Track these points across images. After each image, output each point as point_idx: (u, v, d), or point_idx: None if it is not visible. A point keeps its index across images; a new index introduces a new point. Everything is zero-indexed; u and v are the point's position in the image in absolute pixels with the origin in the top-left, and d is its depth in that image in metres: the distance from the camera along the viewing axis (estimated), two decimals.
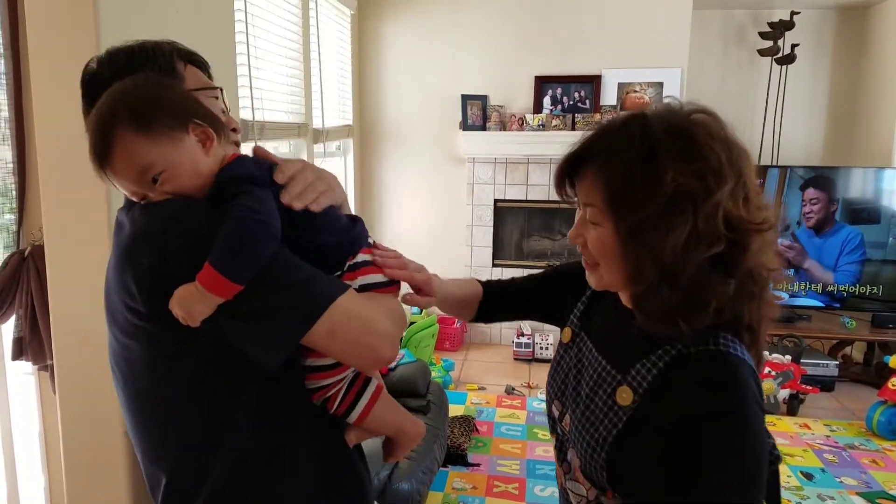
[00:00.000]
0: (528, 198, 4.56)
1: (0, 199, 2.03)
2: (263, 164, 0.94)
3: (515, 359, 4.43)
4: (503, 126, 4.42)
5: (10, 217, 2.06)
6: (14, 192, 2.04)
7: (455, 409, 3.51)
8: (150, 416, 0.96)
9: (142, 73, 0.95)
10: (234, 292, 0.82)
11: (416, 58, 4.63)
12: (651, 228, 0.85)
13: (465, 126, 4.46)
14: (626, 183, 0.87)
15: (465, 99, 4.43)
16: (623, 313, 0.97)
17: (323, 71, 3.85)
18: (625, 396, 0.90)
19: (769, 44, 4.46)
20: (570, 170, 0.98)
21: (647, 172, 0.86)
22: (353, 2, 4.42)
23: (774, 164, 4.54)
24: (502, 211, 4.67)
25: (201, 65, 1.06)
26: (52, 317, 1.97)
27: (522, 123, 4.37)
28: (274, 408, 0.94)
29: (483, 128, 4.45)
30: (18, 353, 2.13)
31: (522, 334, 4.45)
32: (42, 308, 2.03)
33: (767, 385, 3.64)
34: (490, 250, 4.67)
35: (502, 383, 4.00)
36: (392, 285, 0.99)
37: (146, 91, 0.91)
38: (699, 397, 0.84)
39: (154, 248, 0.87)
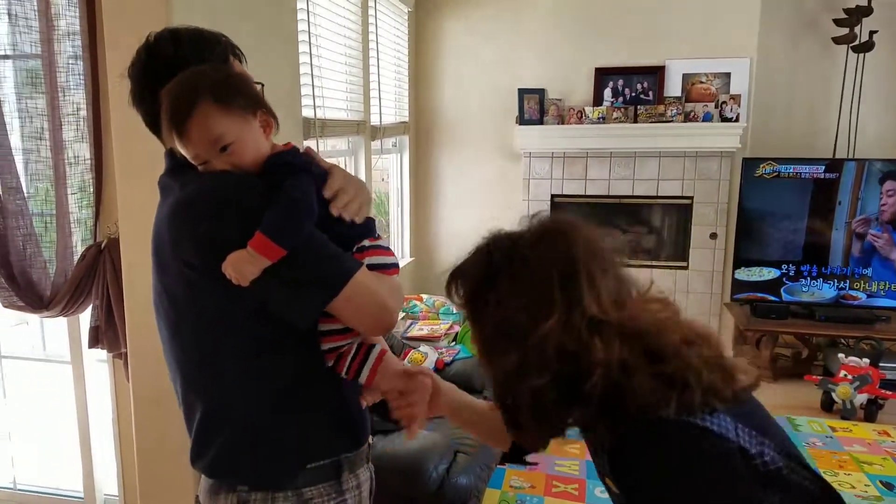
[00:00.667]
0: (587, 192, 4.50)
1: (79, 195, 2.13)
2: (308, 158, 1.08)
3: None
4: (561, 120, 4.37)
5: (87, 212, 2.16)
6: (91, 189, 2.14)
7: None
8: (193, 353, 1.09)
9: (225, 64, 1.10)
10: (279, 256, 0.95)
11: (472, 53, 4.62)
12: (488, 351, 0.94)
13: (521, 120, 4.42)
14: (469, 303, 0.96)
15: (522, 93, 4.40)
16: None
17: (381, 69, 3.89)
18: (611, 484, 0.95)
19: (845, 31, 4.25)
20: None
21: (480, 300, 0.93)
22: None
23: (850, 157, 4.34)
24: (560, 206, 4.61)
25: (242, 61, 1.18)
26: (126, 307, 2.05)
27: (581, 117, 4.31)
28: (300, 364, 1.08)
29: (540, 122, 4.41)
30: (95, 341, 2.23)
31: None
32: (117, 298, 2.13)
33: (843, 390, 3.49)
34: None
35: None
36: (393, 268, 1.12)
37: (227, 75, 1.05)
38: (642, 471, 0.87)
39: (213, 214, 1.00)
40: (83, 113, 2.08)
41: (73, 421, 2.46)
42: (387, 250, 1.12)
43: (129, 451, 2.35)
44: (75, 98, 2.07)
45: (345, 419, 1.15)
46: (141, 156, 1.93)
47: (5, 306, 2.16)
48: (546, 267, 0.89)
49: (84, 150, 2.11)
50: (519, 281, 0.90)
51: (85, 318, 2.30)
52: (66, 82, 2.05)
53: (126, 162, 1.96)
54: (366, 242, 1.09)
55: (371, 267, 1.06)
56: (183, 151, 1.02)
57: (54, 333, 2.63)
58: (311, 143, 2.79)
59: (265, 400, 1.07)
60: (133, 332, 2.07)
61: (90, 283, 2.16)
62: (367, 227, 1.11)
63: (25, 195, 2.09)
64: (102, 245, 2.14)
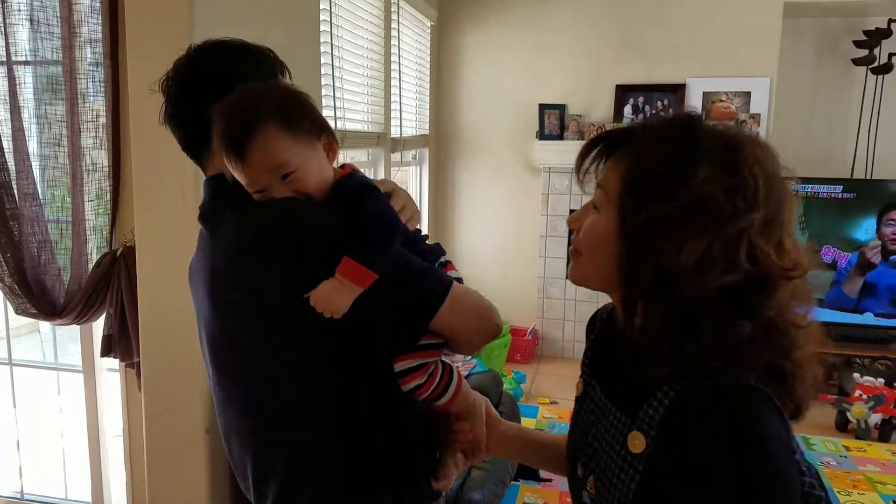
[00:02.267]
0: None
1: (95, 202, 2.12)
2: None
3: None
4: (581, 136, 4.34)
5: (104, 219, 2.15)
6: (108, 196, 2.12)
7: (526, 423, 3.45)
8: (262, 397, 1.00)
9: (275, 79, 1.03)
10: (371, 281, 0.89)
11: (493, 68, 4.61)
12: (660, 232, 0.76)
13: (541, 135, 4.40)
14: (649, 170, 0.79)
15: (543, 108, 4.38)
16: (632, 352, 0.84)
17: (402, 81, 3.89)
18: (636, 443, 0.80)
19: (864, 53, 4.22)
20: (603, 146, 0.88)
21: (675, 167, 0.77)
22: (434, 13, 4.45)
23: (868, 178, 4.29)
24: None
25: (288, 77, 1.11)
26: (140, 316, 2.03)
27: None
28: (379, 399, 1.01)
29: (560, 137, 4.39)
30: (107, 349, 2.21)
31: None
32: (131, 307, 2.10)
33: (858, 409, 3.44)
34: (564, 262, 4.59)
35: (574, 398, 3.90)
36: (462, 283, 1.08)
37: (293, 96, 0.97)
38: (710, 440, 0.73)
39: (286, 245, 0.91)
40: (102, 120, 2.07)
41: (83, 430, 2.44)
42: (453, 266, 1.12)
43: (140, 461, 2.32)
44: (95, 105, 2.06)
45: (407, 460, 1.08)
46: (159, 164, 1.92)
47: (18, 313, 2.15)
48: (758, 160, 0.78)
49: (102, 158, 2.09)
50: (733, 162, 0.77)
51: (98, 326, 2.28)
52: (87, 89, 2.04)
53: (144, 170, 1.94)
54: (442, 259, 1.09)
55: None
56: (238, 177, 0.94)
57: (66, 341, 2.61)
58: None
59: (337, 437, 1.00)
60: (146, 341, 2.04)
61: (104, 291, 2.14)
62: (440, 247, 1.11)
63: (42, 201, 2.08)
64: (118, 253, 2.13)
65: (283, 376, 0.98)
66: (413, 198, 1.10)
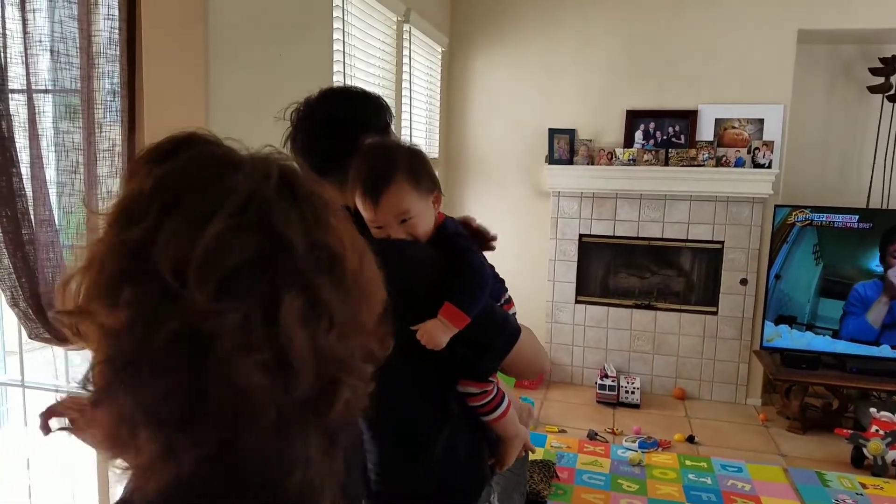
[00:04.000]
0: (616, 233, 4.46)
1: None
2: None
3: (598, 401, 4.28)
4: (591, 160, 4.35)
5: None
6: None
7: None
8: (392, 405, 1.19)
9: (409, 144, 1.26)
10: (465, 324, 1.11)
11: (504, 92, 4.64)
12: None
13: (551, 160, 4.41)
14: None
15: (553, 133, 4.39)
16: None
17: (413, 105, 3.91)
18: None
19: (880, 80, 4.20)
20: None
21: None
22: (445, 39, 4.49)
23: (885, 207, 4.26)
24: (587, 246, 4.58)
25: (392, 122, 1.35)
26: None
27: (612, 158, 4.28)
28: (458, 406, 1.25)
29: (570, 161, 4.39)
30: None
31: (606, 375, 4.30)
32: None
33: (875, 445, 3.37)
34: (573, 286, 4.58)
35: (584, 427, 3.87)
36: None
37: (418, 156, 1.21)
38: None
39: (407, 282, 1.08)
40: (118, 149, 2.09)
41: (92, 450, 2.44)
42: (513, 301, 1.34)
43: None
44: (111, 134, 2.09)
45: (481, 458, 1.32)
46: None
47: (31, 337, 2.16)
48: None
49: (117, 186, 2.12)
50: None
51: None
52: (104, 118, 2.07)
53: None
54: (507, 295, 1.31)
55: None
56: (365, 214, 1.15)
57: (77, 361, 2.63)
58: None
59: (441, 431, 1.22)
60: None
61: None
62: (502, 285, 1.32)
63: (57, 228, 2.10)
64: None
65: (395, 386, 1.16)
66: None
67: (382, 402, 1.17)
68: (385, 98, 1.32)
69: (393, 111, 1.32)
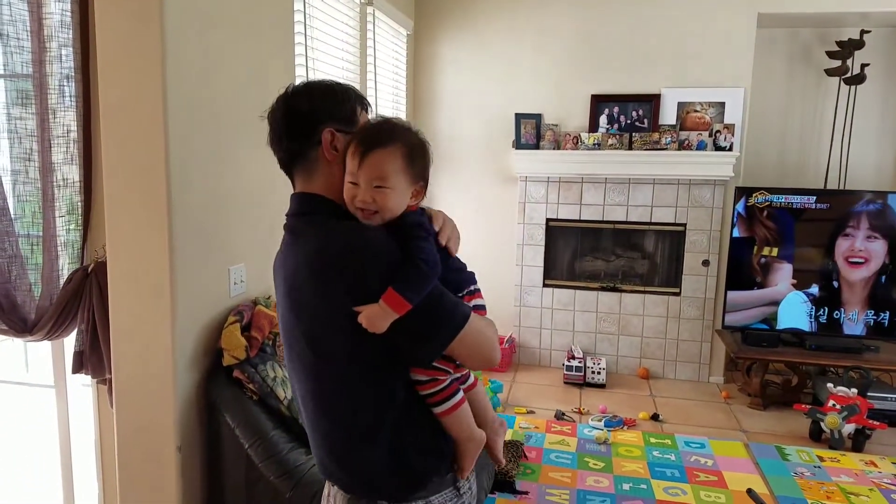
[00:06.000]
0: (582, 217, 4.50)
1: (66, 218, 2.10)
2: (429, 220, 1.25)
3: (566, 382, 4.34)
4: (557, 145, 4.37)
5: (75, 235, 2.13)
6: (80, 212, 2.10)
7: None
8: (329, 385, 1.21)
9: (417, 131, 1.26)
10: (405, 311, 1.11)
11: (470, 77, 4.63)
12: None
13: (517, 145, 4.43)
14: None
15: (519, 118, 4.41)
16: None
17: (378, 91, 3.88)
18: None
19: (837, 63, 4.30)
20: None
21: None
22: (410, 22, 4.46)
23: (841, 188, 4.37)
24: (554, 230, 4.61)
25: (368, 111, 1.33)
26: (112, 332, 2.01)
27: (577, 142, 4.31)
28: (408, 390, 1.24)
29: (536, 146, 4.41)
30: (79, 366, 2.18)
31: (573, 357, 4.36)
32: (103, 323, 2.09)
33: (832, 419, 3.48)
34: (541, 270, 4.62)
35: (552, 408, 3.93)
36: (485, 309, 1.29)
37: (422, 146, 1.23)
38: None
39: (360, 267, 1.13)
40: (73, 135, 2.05)
41: (55, 446, 2.41)
42: (480, 293, 1.31)
43: (112, 477, 2.30)
44: (66, 120, 2.04)
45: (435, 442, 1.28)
46: (131, 180, 1.90)
47: None
48: None
49: (73, 173, 2.07)
50: None
51: (70, 342, 2.25)
52: (58, 103, 2.02)
53: (115, 186, 1.92)
54: (472, 287, 1.29)
55: (473, 308, 1.24)
56: (348, 166, 1.17)
57: (37, 357, 2.58)
58: None
59: (388, 422, 1.21)
60: (118, 357, 2.03)
61: (75, 307, 2.12)
62: (472, 274, 1.31)
63: (12, 216, 2.05)
64: (89, 269, 2.11)
65: (342, 368, 1.19)
66: (455, 225, 1.31)
67: (333, 383, 1.19)
68: (354, 86, 1.34)
69: (367, 100, 1.32)
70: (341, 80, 1.30)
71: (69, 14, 2.01)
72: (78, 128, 2.05)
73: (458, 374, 1.31)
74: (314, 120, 1.21)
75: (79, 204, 2.09)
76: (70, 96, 2.02)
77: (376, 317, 1.11)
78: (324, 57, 3.04)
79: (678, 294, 4.43)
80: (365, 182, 1.16)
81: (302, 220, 1.25)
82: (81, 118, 2.04)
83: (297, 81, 1.30)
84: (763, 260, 4.08)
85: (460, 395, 1.29)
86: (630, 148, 4.24)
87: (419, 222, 1.20)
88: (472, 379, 1.39)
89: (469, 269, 1.33)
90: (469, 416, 1.31)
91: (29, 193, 2.08)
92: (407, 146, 1.18)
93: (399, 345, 1.17)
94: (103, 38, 1.89)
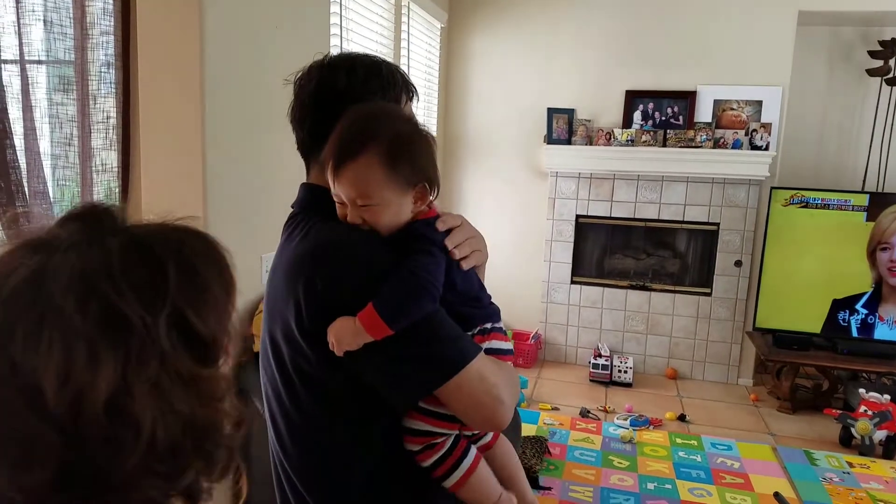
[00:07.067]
0: (613, 214, 4.46)
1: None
2: (442, 231, 0.99)
3: (591, 380, 4.31)
4: (590, 140, 4.34)
5: None
6: (117, 196, 2.14)
7: (527, 429, 3.45)
8: (288, 407, 1.01)
9: (414, 122, 1.01)
10: (384, 336, 0.87)
11: (503, 71, 4.61)
12: None
13: (549, 140, 4.40)
14: None
15: (551, 112, 4.38)
16: None
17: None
18: None
19: (879, 63, 4.19)
20: None
21: None
22: (444, 15, 4.45)
23: (880, 190, 4.27)
24: (584, 227, 4.58)
25: (414, 99, 1.14)
26: None
27: (610, 138, 4.28)
28: (389, 440, 0.99)
29: (568, 142, 4.38)
30: None
31: (600, 355, 4.33)
32: None
33: (863, 425, 3.41)
34: (569, 267, 4.59)
35: (577, 405, 3.91)
36: (509, 355, 1.02)
37: (407, 139, 0.96)
38: None
39: (331, 275, 0.93)
40: (112, 121, 2.08)
41: None
42: (505, 335, 1.03)
43: None
44: (105, 106, 2.08)
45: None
46: (168, 166, 1.94)
47: None
48: None
49: (112, 159, 2.11)
50: None
51: None
52: (98, 90, 2.05)
53: (153, 172, 1.96)
54: (488, 325, 1.01)
55: (488, 351, 0.97)
56: (330, 184, 0.96)
57: None
58: None
59: (362, 472, 0.99)
60: None
61: None
62: (495, 310, 1.04)
63: (52, 200, 2.10)
64: None
65: (303, 393, 0.99)
66: (483, 238, 1.05)
67: (296, 409, 0.98)
68: (402, 68, 1.13)
69: (414, 86, 1.13)
70: (389, 59, 1.11)
71: (111, 2, 2.04)
72: (117, 114, 2.08)
73: (469, 432, 1.03)
74: (350, 100, 0.99)
75: (116, 189, 2.13)
76: (110, 83, 2.06)
77: (346, 332, 0.88)
78: (358, 46, 3.05)
79: (709, 294, 4.38)
80: (349, 201, 0.95)
81: (300, 217, 1.07)
82: (121, 105, 2.07)
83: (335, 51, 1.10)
84: None
85: (472, 455, 1.00)
86: (664, 145, 4.19)
87: (422, 233, 0.96)
88: (489, 435, 1.07)
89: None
90: (490, 482, 1.02)
91: (68, 178, 2.12)
92: (384, 148, 0.92)
93: (368, 374, 0.93)
94: (143, 27, 1.92)
